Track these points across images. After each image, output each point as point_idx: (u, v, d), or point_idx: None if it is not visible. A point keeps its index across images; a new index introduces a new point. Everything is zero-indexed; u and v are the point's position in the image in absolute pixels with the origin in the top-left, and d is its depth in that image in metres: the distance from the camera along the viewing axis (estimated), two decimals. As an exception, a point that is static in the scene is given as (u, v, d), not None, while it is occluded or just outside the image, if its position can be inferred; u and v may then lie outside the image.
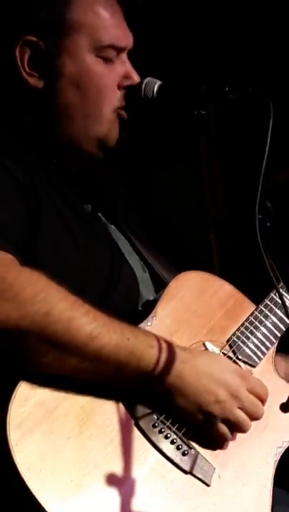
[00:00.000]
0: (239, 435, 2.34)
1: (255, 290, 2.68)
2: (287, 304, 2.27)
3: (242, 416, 2.24)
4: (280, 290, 2.27)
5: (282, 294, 2.33)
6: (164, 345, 2.20)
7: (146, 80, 2.50)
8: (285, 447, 2.41)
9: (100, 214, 2.61)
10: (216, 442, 2.26)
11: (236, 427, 2.25)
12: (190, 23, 3.86)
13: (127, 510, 2.11)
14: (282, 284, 2.23)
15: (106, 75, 2.51)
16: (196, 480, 2.24)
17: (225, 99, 2.37)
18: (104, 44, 2.49)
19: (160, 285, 2.54)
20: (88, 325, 2.12)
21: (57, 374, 2.15)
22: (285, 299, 2.40)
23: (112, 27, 2.51)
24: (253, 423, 2.36)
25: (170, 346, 2.21)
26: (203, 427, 2.22)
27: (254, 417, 2.27)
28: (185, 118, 2.42)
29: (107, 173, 2.68)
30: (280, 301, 2.57)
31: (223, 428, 2.24)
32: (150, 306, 2.43)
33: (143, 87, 2.49)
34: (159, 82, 2.49)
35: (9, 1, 2.52)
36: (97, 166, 2.60)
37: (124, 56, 2.55)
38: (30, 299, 2.08)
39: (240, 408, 2.25)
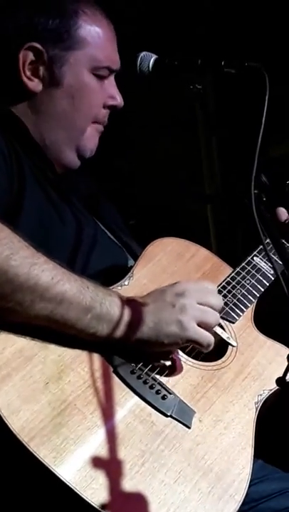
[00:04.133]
0: (220, 382, 2.41)
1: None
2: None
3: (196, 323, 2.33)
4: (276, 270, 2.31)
5: (272, 257, 2.38)
6: (121, 295, 2.32)
7: (142, 54, 2.54)
8: (266, 396, 2.47)
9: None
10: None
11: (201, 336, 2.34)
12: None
13: (107, 449, 2.16)
14: (268, 241, 2.27)
15: (98, 92, 2.69)
16: (177, 422, 2.29)
17: (221, 72, 2.39)
18: (102, 65, 2.67)
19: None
20: (49, 271, 2.22)
21: (32, 325, 2.23)
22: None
23: (110, 51, 2.71)
24: (234, 371, 2.47)
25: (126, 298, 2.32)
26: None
27: (207, 321, 2.34)
28: (181, 92, 2.44)
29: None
30: (258, 265, 2.67)
31: (197, 338, 2.33)
32: (125, 269, 2.53)
33: (138, 62, 2.53)
34: (154, 57, 2.54)
35: (23, 4, 2.67)
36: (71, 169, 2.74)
37: (112, 77, 2.73)
38: None
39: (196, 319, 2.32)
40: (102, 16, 2.68)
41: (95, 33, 2.66)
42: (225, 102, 3.68)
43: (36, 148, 2.65)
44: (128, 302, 2.30)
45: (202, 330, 2.33)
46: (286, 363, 2.44)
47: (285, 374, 2.10)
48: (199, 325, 2.33)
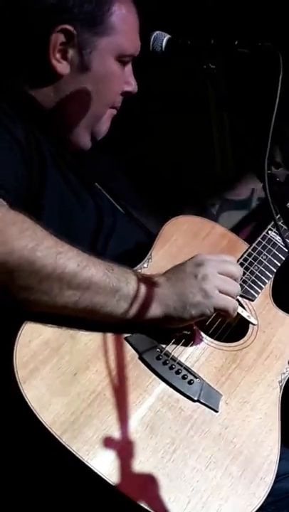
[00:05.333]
0: (243, 363, 2.40)
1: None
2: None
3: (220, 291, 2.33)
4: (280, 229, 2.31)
5: (282, 233, 2.37)
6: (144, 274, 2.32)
7: (155, 33, 2.52)
8: (289, 374, 2.46)
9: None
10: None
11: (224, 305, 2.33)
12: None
13: (138, 439, 2.15)
14: (282, 220, 2.27)
15: (119, 78, 2.68)
16: (204, 407, 2.29)
17: (234, 52, 2.36)
18: (127, 53, 2.64)
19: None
20: (74, 258, 2.20)
21: (57, 314, 2.20)
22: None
23: (136, 39, 2.67)
24: (256, 351, 2.46)
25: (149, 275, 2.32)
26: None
27: (229, 290, 2.34)
28: (194, 72, 2.42)
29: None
30: (273, 239, 2.64)
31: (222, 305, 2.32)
32: (144, 251, 2.49)
33: (152, 41, 2.51)
34: (167, 36, 2.50)
35: None
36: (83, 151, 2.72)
37: (130, 63, 2.71)
38: (17, 235, 2.15)
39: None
40: (132, 3, 2.65)
41: (125, 21, 2.63)
42: (238, 84, 3.64)
43: (55, 131, 2.62)
44: (151, 279, 2.30)
45: (226, 296, 2.32)
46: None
47: None
48: (222, 293, 2.31)
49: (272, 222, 2.68)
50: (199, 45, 2.41)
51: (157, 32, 2.51)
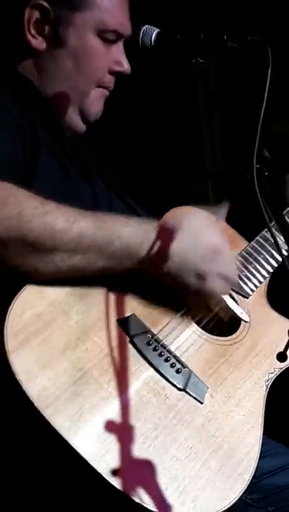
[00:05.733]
0: (232, 358, 2.39)
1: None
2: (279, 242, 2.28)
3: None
4: (279, 246, 2.30)
5: (275, 234, 2.36)
6: (140, 222, 2.28)
7: (144, 27, 2.48)
8: (276, 374, 2.46)
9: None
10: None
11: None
12: None
13: (121, 421, 2.13)
14: (274, 223, 2.27)
15: (102, 56, 2.60)
16: (190, 397, 2.27)
17: (224, 47, 2.34)
18: (109, 28, 2.57)
19: None
20: (62, 215, 2.17)
21: (52, 286, 2.19)
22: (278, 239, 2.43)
23: (119, 13, 2.61)
24: (246, 348, 2.45)
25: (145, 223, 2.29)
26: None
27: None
28: (184, 67, 2.40)
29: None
30: (271, 240, 2.63)
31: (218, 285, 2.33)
32: None
33: (141, 36, 2.47)
34: (157, 30, 2.47)
35: None
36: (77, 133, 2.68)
37: (121, 43, 2.64)
38: (1, 204, 2.12)
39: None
40: None
41: None
42: (227, 78, 3.64)
43: (48, 110, 2.59)
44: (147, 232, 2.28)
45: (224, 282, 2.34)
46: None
47: (286, 349, 2.10)
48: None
49: (273, 223, 2.66)
50: (189, 40, 2.38)
51: (146, 26, 2.47)
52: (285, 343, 2.12)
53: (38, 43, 2.56)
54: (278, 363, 2.48)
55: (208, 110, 3.64)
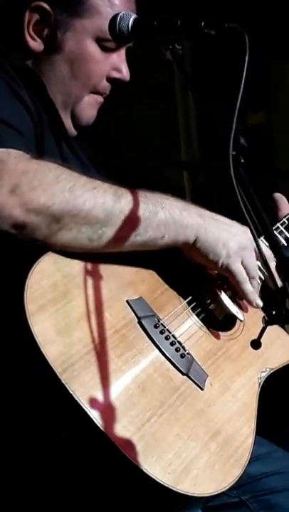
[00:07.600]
0: (229, 353, 2.45)
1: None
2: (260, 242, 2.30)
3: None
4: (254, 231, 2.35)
5: (256, 236, 2.39)
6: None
7: (121, 13, 2.39)
8: (268, 373, 2.52)
9: None
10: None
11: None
12: None
13: (130, 394, 2.18)
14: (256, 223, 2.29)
15: (100, 63, 2.65)
16: (191, 382, 2.31)
17: (200, 34, 2.29)
18: (109, 37, 2.53)
19: None
20: (110, 187, 2.27)
21: (68, 258, 2.25)
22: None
23: None
24: (241, 345, 2.51)
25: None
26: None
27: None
28: (160, 53, 2.33)
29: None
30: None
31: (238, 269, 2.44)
32: None
33: (118, 22, 2.38)
34: (133, 16, 2.39)
35: None
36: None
37: (123, 50, 2.69)
38: (54, 180, 2.20)
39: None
40: None
41: (107, 2, 2.61)
42: (203, 67, 3.66)
43: (53, 107, 2.64)
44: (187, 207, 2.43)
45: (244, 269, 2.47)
46: (287, 345, 2.53)
47: (259, 336, 2.13)
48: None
49: (276, 225, 2.76)
50: (165, 26, 2.33)
51: (123, 12, 2.39)
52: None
53: (36, 44, 2.61)
54: (269, 363, 2.54)
55: (184, 99, 3.63)
